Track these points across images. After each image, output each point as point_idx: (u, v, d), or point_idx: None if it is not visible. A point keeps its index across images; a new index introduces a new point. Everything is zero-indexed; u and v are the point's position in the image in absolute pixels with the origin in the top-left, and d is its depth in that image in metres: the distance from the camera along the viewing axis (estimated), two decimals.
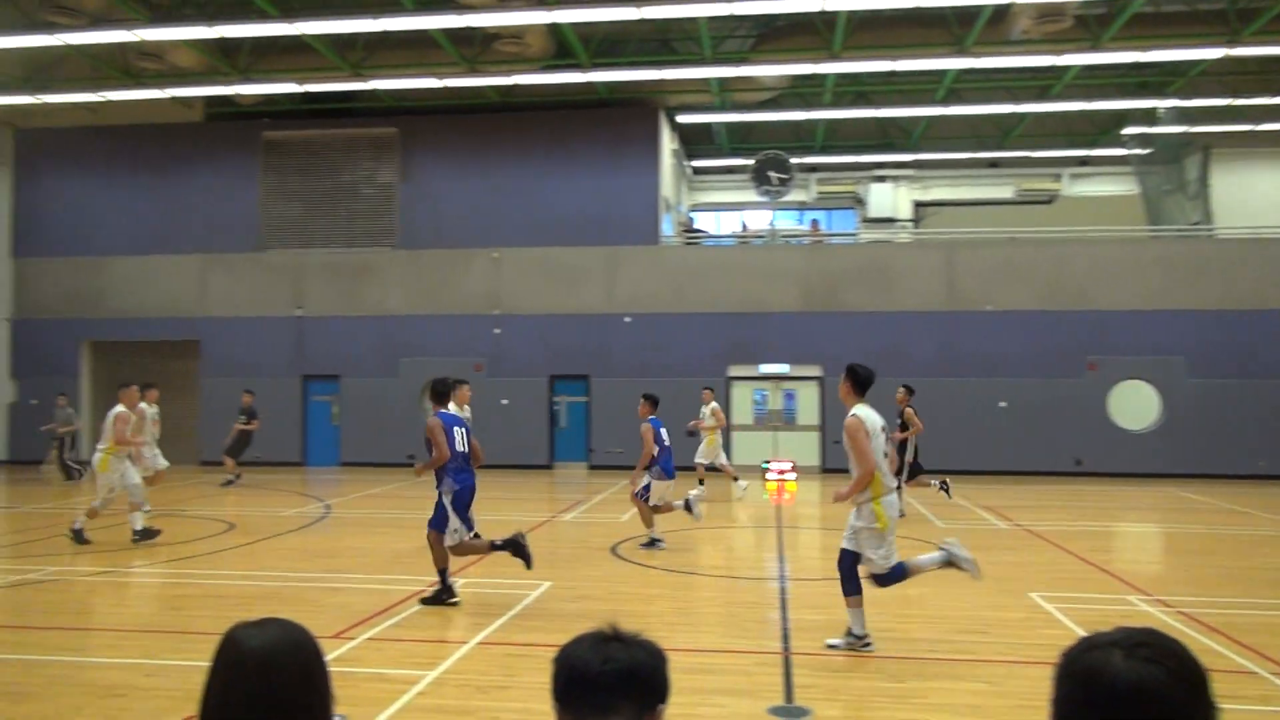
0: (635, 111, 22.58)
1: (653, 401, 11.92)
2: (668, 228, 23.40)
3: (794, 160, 23.56)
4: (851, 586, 6.87)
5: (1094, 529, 13.64)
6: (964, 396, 20.79)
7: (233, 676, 1.73)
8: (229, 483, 18.33)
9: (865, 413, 6.95)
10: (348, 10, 17.29)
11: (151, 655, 6.67)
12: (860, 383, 7.05)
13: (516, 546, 8.29)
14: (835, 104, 23.33)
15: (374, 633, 7.26)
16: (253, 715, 1.70)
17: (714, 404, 16.76)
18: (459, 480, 8.42)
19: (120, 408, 12.09)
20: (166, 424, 21.92)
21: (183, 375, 23.06)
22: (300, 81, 20.63)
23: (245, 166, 23.36)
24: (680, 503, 11.55)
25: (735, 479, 16.63)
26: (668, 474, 11.39)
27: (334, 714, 1.82)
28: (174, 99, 22.22)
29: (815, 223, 25.74)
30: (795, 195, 25.93)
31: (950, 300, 21.27)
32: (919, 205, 27.45)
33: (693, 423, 16.76)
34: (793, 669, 6.47)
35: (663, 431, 11.59)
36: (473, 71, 19.77)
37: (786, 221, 26.15)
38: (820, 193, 27.53)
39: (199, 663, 5.70)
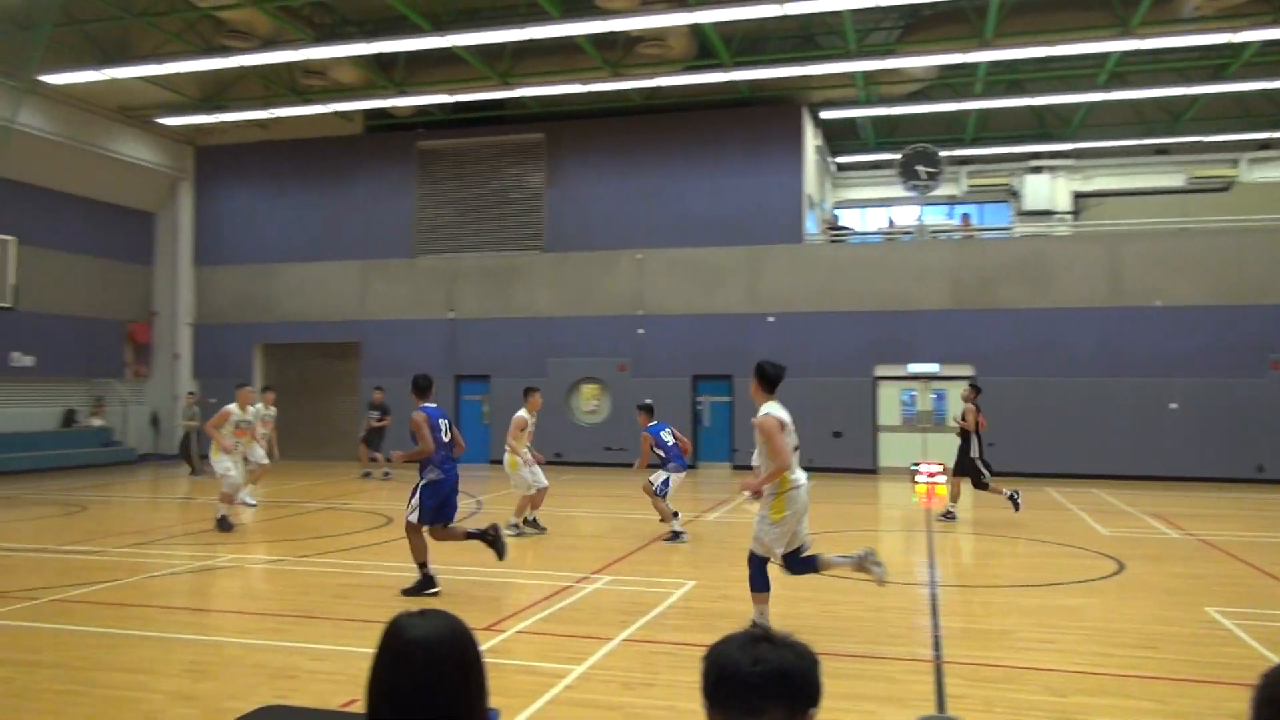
0: (778, 109, 22.38)
1: (648, 410, 12.74)
2: (812, 225, 23.09)
3: (943, 153, 22.83)
4: (759, 583, 7.19)
5: (1278, 541, 12.65)
6: (1129, 397, 19.65)
7: (398, 663, 1.81)
8: (368, 475, 19.74)
9: (776, 410, 7.31)
10: (495, 21, 17.83)
11: (318, 640, 7.04)
12: (769, 380, 7.53)
13: (489, 538, 8.83)
14: (987, 94, 22.45)
15: (523, 626, 7.45)
16: (416, 701, 1.78)
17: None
18: (443, 470, 8.93)
19: (229, 405, 13.08)
20: (329, 422, 23.18)
21: (345, 375, 24.26)
22: (451, 92, 21.43)
23: (401, 175, 24.39)
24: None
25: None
26: (682, 468, 12.23)
27: (488, 705, 1.88)
28: (336, 113, 23.47)
29: (966, 217, 24.86)
30: (944, 189, 25.10)
31: (1113, 295, 20.14)
32: (1079, 196, 26.09)
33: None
34: (944, 677, 6.27)
35: (664, 435, 12.33)
36: (616, 75, 20.04)
37: (935, 216, 25.35)
38: (971, 186, 26.57)
39: (361, 649, 5.95)
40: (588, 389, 23.13)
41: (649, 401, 13.32)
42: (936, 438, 21.00)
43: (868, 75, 21.09)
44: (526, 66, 20.34)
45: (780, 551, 7.14)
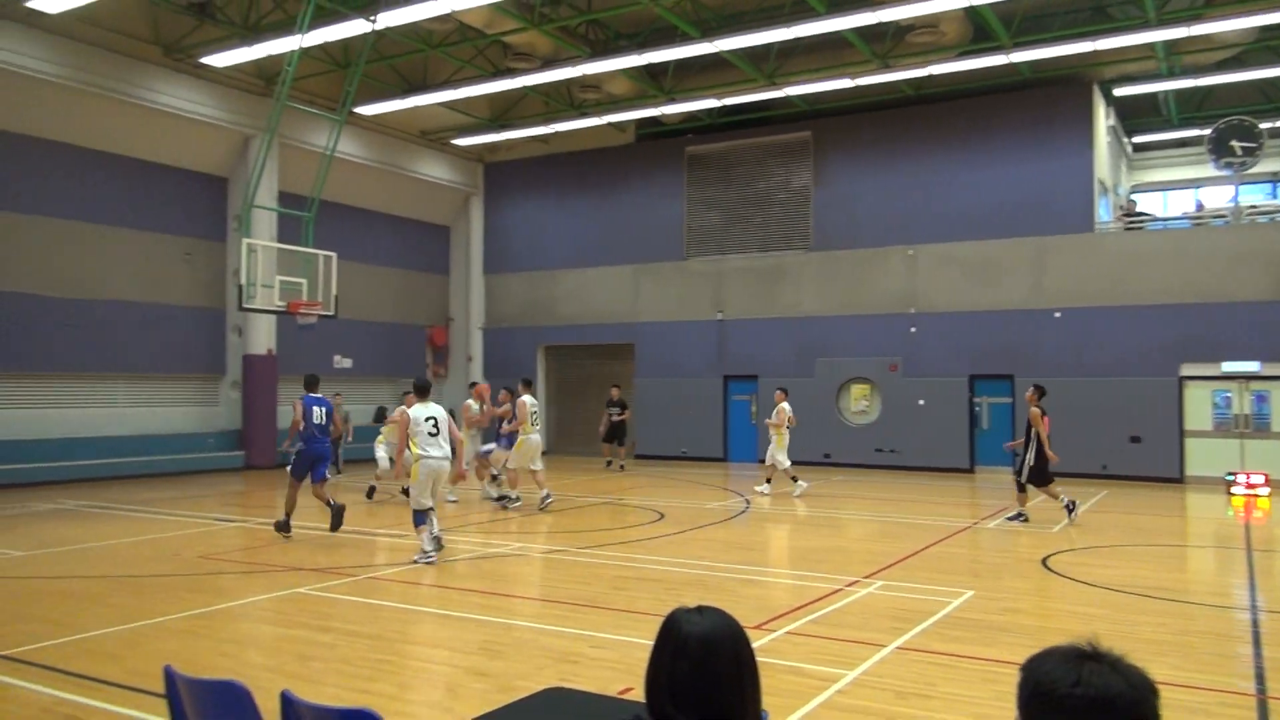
0: (1064, 89, 20.84)
1: (510, 392, 15.09)
2: (1104, 213, 21.30)
3: (1263, 125, 20.32)
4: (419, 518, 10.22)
5: None
6: None
7: (676, 656, 1.86)
8: (610, 464, 21.52)
9: (418, 410, 10.36)
10: (762, 22, 17.87)
11: (597, 629, 7.37)
12: (419, 390, 10.69)
13: (336, 511, 11.43)
14: None
15: (792, 627, 7.42)
16: (692, 695, 1.82)
17: (786, 404, 17.12)
18: (308, 446, 11.86)
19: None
20: (593, 422, 24.07)
21: (621, 376, 25.25)
22: (719, 96, 21.74)
23: (671, 181, 25.06)
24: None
25: (794, 479, 16.58)
26: (510, 443, 14.53)
27: (761, 705, 1.90)
28: (610, 124, 24.50)
29: None
30: (1264, 166, 22.34)
31: None
32: None
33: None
34: (1270, 716, 5.58)
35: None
36: (885, 67, 19.49)
37: (1254, 196, 22.60)
38: None
39: (638, 639, 6.18)
40: (857, 389, 22.65)
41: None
42: (1257, 444, 18.76)
43: (1170, 45, 19.09)
44: (793, 65, 20.24)
45: (418, 505, 10.16)
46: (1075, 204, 20.47)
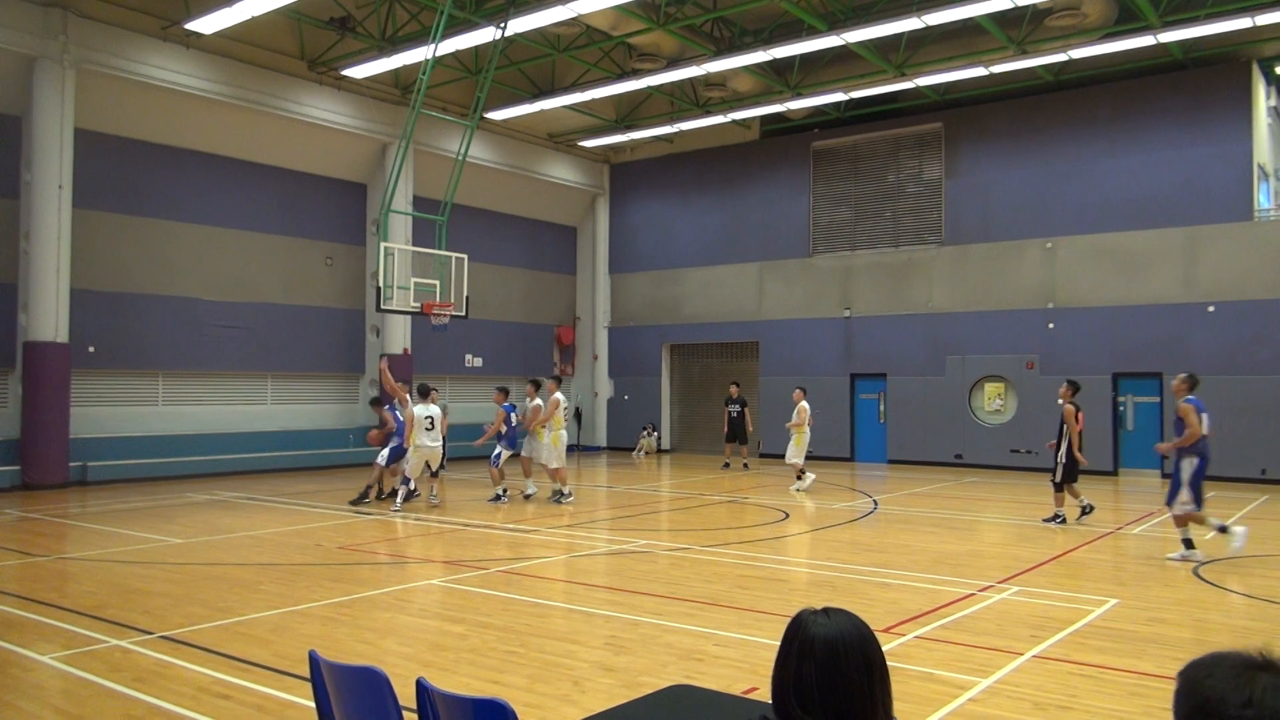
0: (1219, 70, 19.61)
1: (504, 391, 15.42)
2: (1265, 199, 19.95)
3: None
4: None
5: None
6: None
7: (802, 658, 1.83)
8: (727, 465, 21.59)
9: (419, 409, 13.45)
10: (891, 12, 17.45)
11: (721, 627, 7.36)
12: (421, 392, 13.83)
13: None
14: None
15: (923, 631, 7.23)
16: (818, 698, 1.79)
17: (804, 403, 17.51)
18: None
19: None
20: (717, 420, 24.03)
21: (745, 374, 25.13)
22: (847, 90, 21.36)
23: (797, 177, 24.76)
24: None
25: (801, 473, 17.01)
26: (512, 446, 15.31)
27: (893, 711, 1.85)
28: (734, 122, 24.39)
29: None
30: None
31: None
32: None
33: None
34: None
35: (513, 416, 15.34)
36: (1022, 53, 18.76)
37: None
38: None
39: (762, 639, 6.14)
40: (991, 388, 21.89)
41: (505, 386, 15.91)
42: None
43: None
44: (923, 55, 19.68)
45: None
46: (1232, 191, 19.24)
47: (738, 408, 21.54)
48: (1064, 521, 12.95)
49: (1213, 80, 19.64)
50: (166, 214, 19.36)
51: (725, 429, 21.80)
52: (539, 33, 19.47)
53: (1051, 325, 20.88)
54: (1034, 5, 17.16)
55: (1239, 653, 1.35)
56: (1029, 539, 12.05)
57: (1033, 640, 6.96)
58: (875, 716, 1.81)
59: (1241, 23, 17.10)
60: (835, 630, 1.83)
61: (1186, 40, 18.55)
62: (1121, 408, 20.31)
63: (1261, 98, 19.85)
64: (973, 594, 8.56)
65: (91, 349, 18.05)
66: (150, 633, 7.04)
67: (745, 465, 21.57)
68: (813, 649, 1.82)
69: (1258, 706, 1.26)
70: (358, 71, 20.18)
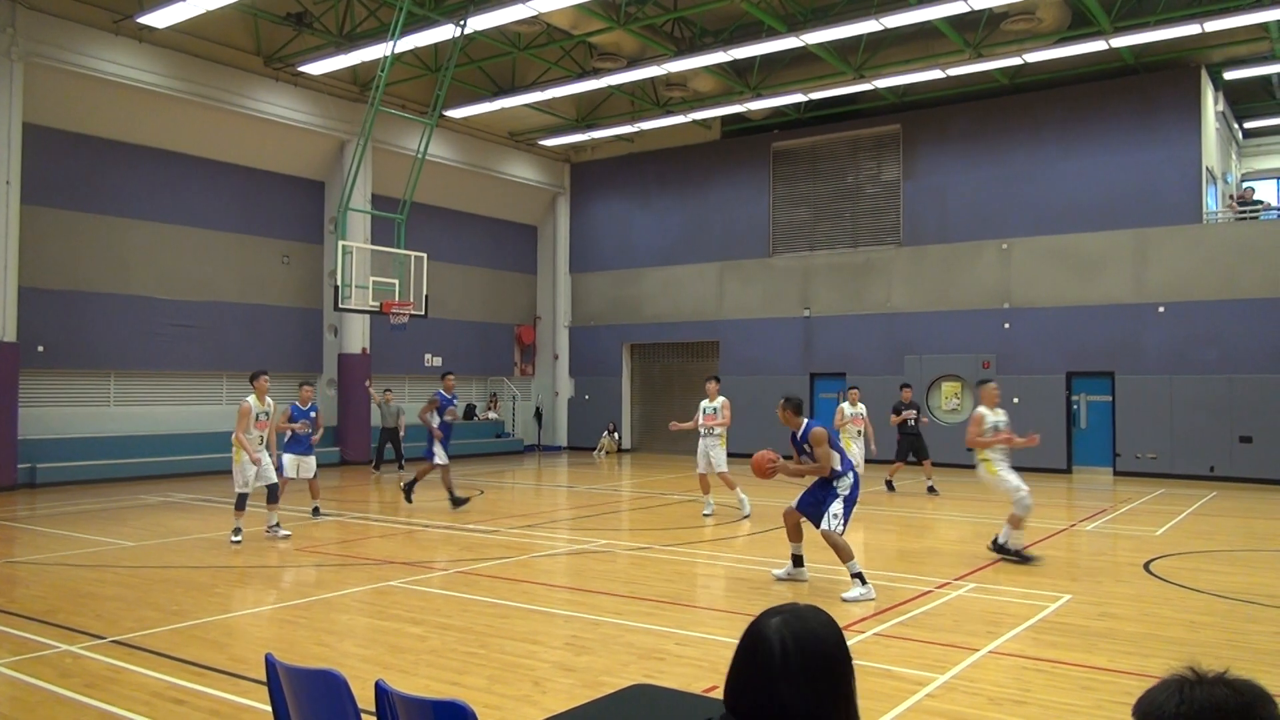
0: (1168, 75, 20.03)
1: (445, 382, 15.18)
2: (1213, 202, 20.41)
3: None
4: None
5: None
6: None
7: (758, 658, 1.79)
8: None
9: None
10: (850, 15, 17.61)
11: (682, 626, 7.37)
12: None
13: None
14: None
15: (881, 629, 7.30)
16: (776, 697, 1.76)
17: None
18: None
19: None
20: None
21: (706, 373, 25.16)
22: (806, 91, 21.51)
23: (757, 177, 24.89)
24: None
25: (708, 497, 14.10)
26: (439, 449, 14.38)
27: (858, 711, 1.82)
28: (695, 122, 24.46)
29: None
30: None
31: None
32: None
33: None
34: None
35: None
36: (978, 57, 19.03)
37: None
38: None
39: (721, 638, 6.15)
40: (948, 387, 22.17)
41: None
42: None
43: None
44: (882, 58, 19.90)
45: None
46: (1181, 193, 19.66)
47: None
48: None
49: (1163, 85, 20.05)
50: (119, 211, 19.00)
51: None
52: (499, 31, 19.37)
53: (1007, 325, 21.19)
54: (990, 9, 17.41)
55: (1174, 674, 1.52)
56: (985, 536, 12.19)
57: (988, 636, 7.06)
58: (838, 714, 1.79)
59: (1191, 29, 17.48)
60: (790, 627, 1.79)
61: (1138, 45, 18.92)
62: (1075, 406, 20.67)
63: (1210, 103, 20.30)
64: (930, 590, 8.66)
65: (41, 348, 17.67)
66: (102, 637, 6.90)
67: None
68: (768, 647, 1.77)
69: (1189, 702, 1.45)
70: (315, 68, 19.95)
